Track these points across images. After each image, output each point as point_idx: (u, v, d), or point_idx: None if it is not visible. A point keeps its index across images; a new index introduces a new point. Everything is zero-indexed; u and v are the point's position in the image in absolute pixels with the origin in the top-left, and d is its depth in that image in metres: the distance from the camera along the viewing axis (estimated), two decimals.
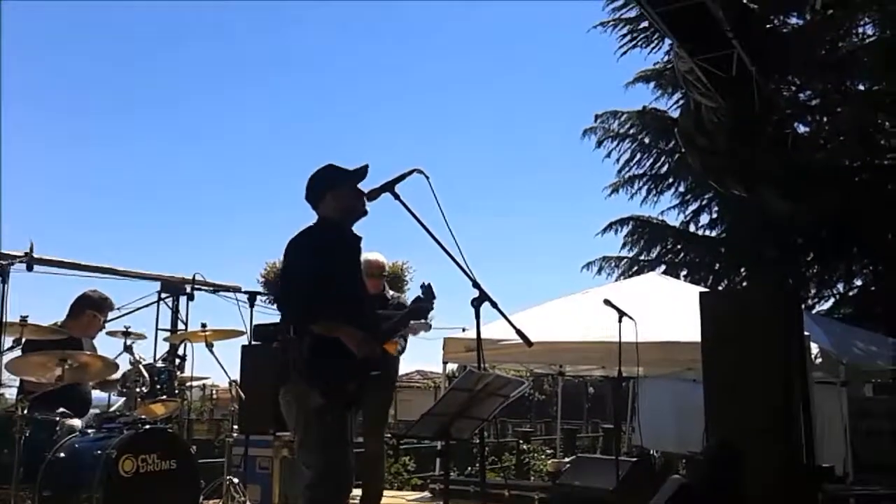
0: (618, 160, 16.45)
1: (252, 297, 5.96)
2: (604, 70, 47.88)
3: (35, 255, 4.30)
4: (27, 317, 4.40)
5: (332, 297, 3.40)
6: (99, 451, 4.31)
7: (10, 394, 5.09)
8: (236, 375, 5.96)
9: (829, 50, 12.59)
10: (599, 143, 16.51)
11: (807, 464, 4.92)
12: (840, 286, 14.64)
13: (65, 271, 6.89)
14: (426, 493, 7.60)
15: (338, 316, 3.41)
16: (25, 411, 4.27)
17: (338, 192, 3.69)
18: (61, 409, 4.64)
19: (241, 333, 5.84)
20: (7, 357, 4.31)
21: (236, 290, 7.50)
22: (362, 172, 3.69)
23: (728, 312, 5.39)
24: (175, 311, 8.18)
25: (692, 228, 16.07)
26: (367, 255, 5.57)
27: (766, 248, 13.57)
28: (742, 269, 14.88)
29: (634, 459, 6.81)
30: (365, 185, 3.62)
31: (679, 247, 15.89)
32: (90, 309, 5.25)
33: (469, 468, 10.28)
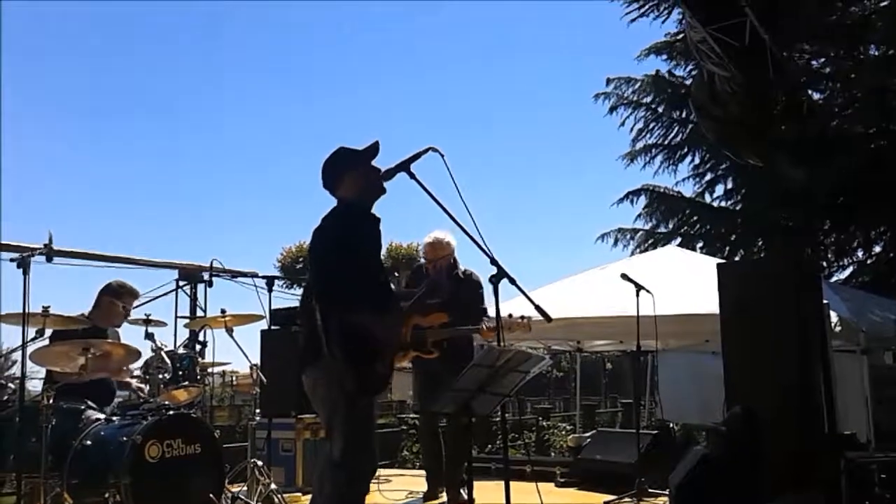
0: (631, 129, 16.36)
1: (270, 281, 5.98)
2: (615, 42, 47.67)
3: (54, 247, 4.32)
4: (49, 307, 4.44)
5: (364, 284, 3.44)
6: (125, 438, 4.37)
7: (32, 385, 5.16)
8: (256, 360, 6.00)
9: (840, 16, 12.44)
10: (612, 110, 16.39)
11: (828, 432, 4.91)
12: (858, 254, 14.55)
13: (84, 262, 6.94)
14: None
15: (371, 304, 3.43)
16: (51, 401, 4.33)
17: (355, 173, 3.67)
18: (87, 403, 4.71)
19: (260, 318, 5.87)
20: (32, 347, 4.36)
21: (253, 275, 7.52)
22: (375, 149, 3.68)
23: (746, 283, 5.37)
24: (193, 298, 8.24)
25: (707, 199, 15.98)
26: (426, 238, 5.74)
27: (783, 218, 13.48)
28: (759, 240, 14.79)
29: (654, 433, 6.82)
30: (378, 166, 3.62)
31: (695, 218, 15.79)
32: (108, 296, 5.30)
33: (489, 446, 10.33)
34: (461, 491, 5.48)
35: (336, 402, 3.44)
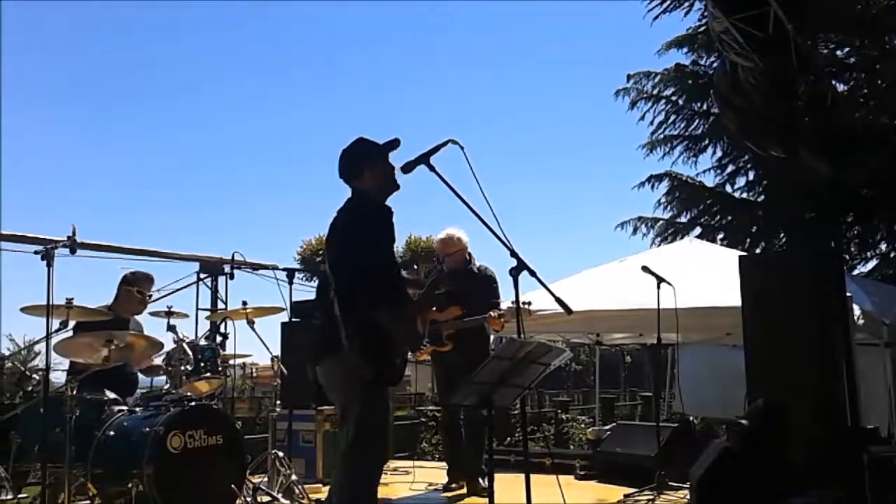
0: (651, 122, 16.28)
1: (290, 274, 6.00)
2: (637, 38, 47.46)
3: (77, 240, 4.36)
4: (72, 299, 4.49)
5: (381, 278, 3.46)
6: (147, 429, 4.41)
7: (55, 377, 5.22)
8: (277, 352, 6.02)
9: (866, 5, 12.27)
10: (633, 104, 16.35)
11: (851, 425, 4.87)
12: (882, 247, 14.39)
13: (107, 255, 7.00)
14: None
15: (387, 298, 3.47)
16: (75, 391, 4.37)
17: (375, 167, 3.68)
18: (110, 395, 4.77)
19: (280, 310, 5.89)
20: (56, 339, 4.40)
21: (274, 268, 7.57)
22: (394, 145, 3.68)
23: (768, 276, 5.32)
24: (214, 291, 8.27)
25: (728, 190, 15.87)
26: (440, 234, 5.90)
27: (806, 210, 13.34)
28: (781, 233, 14.65)
29: (675, 426, 6.78)
30: (398, 159, 3.61)
31: (716, 209, 15.68)
32: (126, 285, 5.36)
33: (509, 438, 10.33)
34: (480, 480, 5.50)
35: (352, 392, 3.48)
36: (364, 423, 3.46)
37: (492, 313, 5.40)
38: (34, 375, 4.74)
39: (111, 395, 4.78)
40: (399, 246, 13.07)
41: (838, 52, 13.28)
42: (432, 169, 3.26)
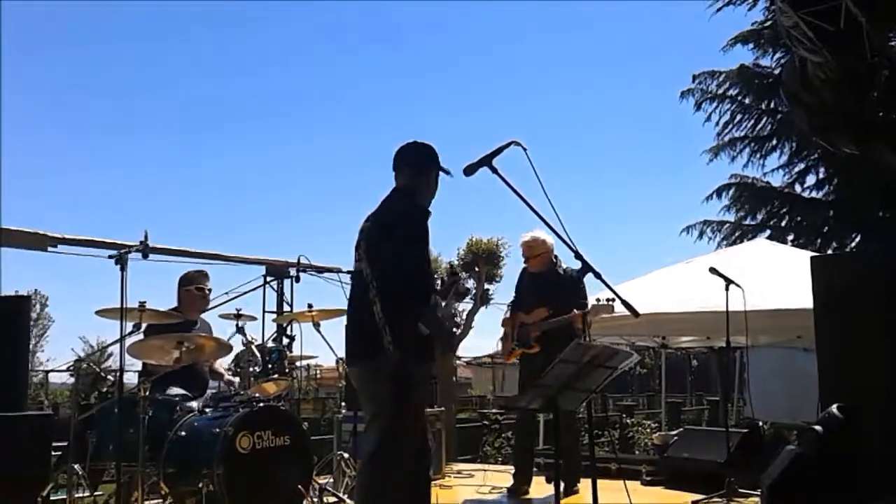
0: (717, 123, 15.99)
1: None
2: (701, 33, 46.79)
3: (150, 244, 4.48)
4: (145, 302, 4.60)
5: (430, 283, 3.61)
6: (217, 429, 4.49)
7: (128, 378, 5.36)
8: (342, 354, 6.09)
9: None
10: (698, 106, 16.10)
11: None
12: None
13: (177, 258, 7.15)
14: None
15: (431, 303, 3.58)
16: (147, 392, 4.49)
17: (433, 176, 3.85)
18: (179, 392, 4.88)
19: (345, 313, 5.94)
20: (129, 341, 4.53)
21: (338, 270, 7.62)
22: (447, 172, 3.86)
23: (841, 277, 5.15)
24: (280, 294, 8.39)
25: (797, 189, 15.48)
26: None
27: (879, 208, 12.92)
28: (854, 232, 14.23)
29: (744, 431, 6.63)
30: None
31: (784, 210, 15.30)
32: (184, 286, 5.48)
33: None
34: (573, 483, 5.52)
35: (387, 397, 3.51)
36: (391, 429, 3.50)
37: (576, 311, 5.39)
38: (109, 377, 4.89)
39: (182, 393, 4.90)
40: (460, 248, 13.10)
41: None
42: (495, 171, 3.26)
